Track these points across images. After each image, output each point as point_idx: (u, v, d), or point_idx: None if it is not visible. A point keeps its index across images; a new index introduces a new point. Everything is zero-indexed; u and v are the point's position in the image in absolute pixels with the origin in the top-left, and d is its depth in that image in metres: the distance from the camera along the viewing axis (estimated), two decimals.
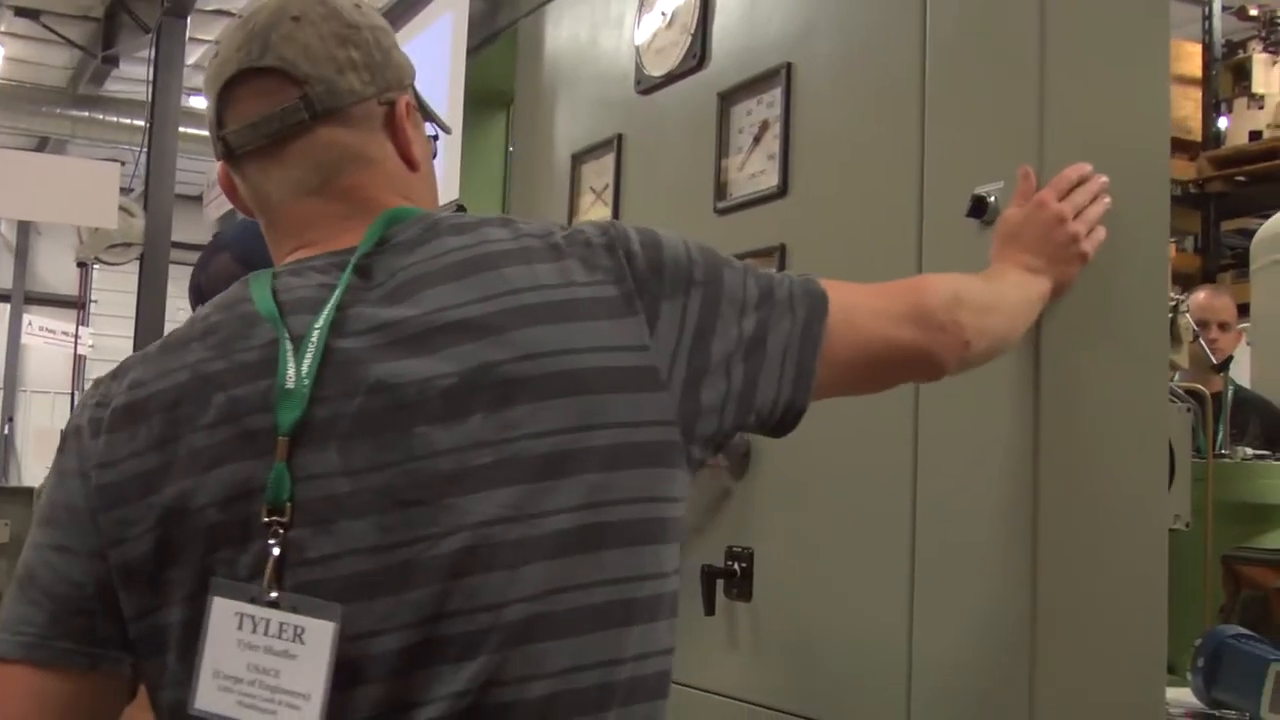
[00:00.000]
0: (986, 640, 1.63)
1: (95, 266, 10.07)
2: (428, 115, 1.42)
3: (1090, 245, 1.62)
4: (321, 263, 1.27)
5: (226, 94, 1.32)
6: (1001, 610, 1.60)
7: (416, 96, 1.39)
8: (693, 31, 2.30)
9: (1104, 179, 1.62)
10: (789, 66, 2.06)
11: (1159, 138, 1.73)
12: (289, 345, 1.20)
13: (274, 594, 1.14)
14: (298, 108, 1.29)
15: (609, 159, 2.53)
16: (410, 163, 1.35)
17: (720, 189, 2.20)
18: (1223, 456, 2.54)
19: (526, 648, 1.14)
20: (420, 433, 1.16)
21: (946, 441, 1.71)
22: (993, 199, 1.67)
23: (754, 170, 2.14)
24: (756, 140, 2.14)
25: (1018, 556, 1.59)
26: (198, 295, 2.17)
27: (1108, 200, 1.62)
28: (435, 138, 1.45)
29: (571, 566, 1.16)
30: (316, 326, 1.20)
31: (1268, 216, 5.14)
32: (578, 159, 2.64)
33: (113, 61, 10.95)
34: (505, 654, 1.14)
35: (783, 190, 2.06)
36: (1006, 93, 1.68)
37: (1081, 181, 1.62)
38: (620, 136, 2.51)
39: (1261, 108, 6.37)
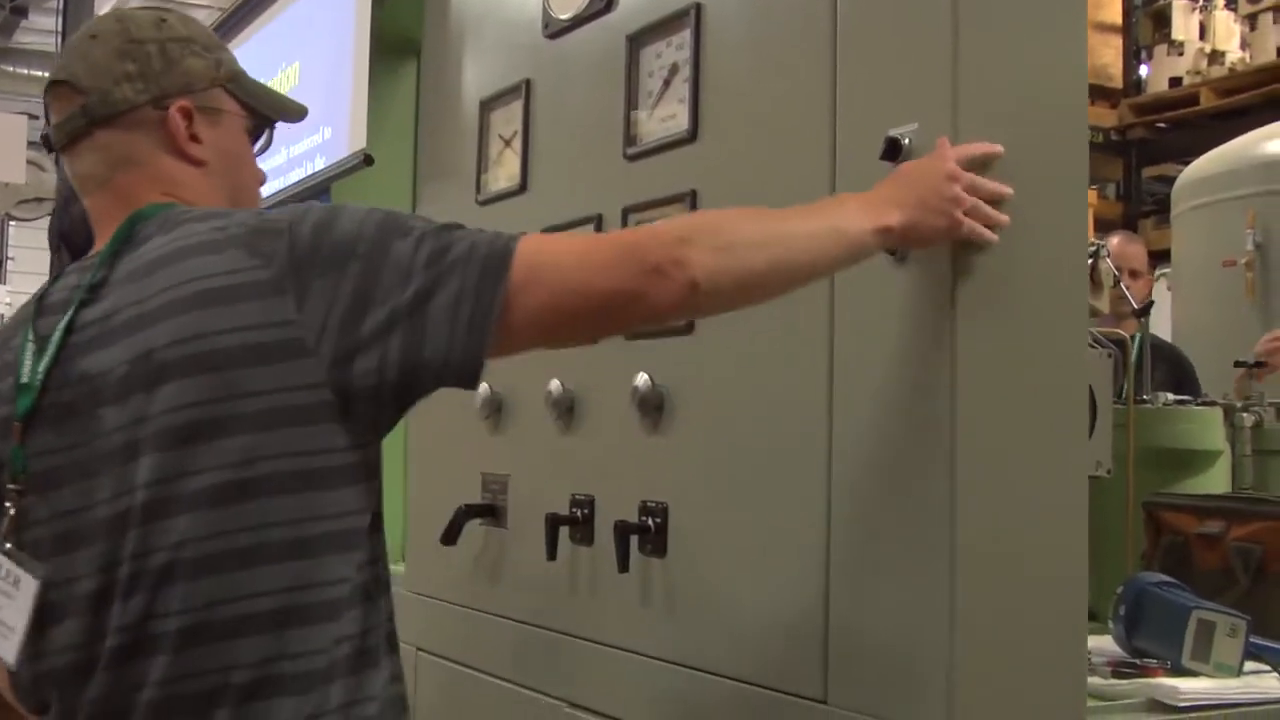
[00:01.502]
0: (904, 593, 1.59)
1: (10, 223, 9.84)
2: (249, 108, 1.68)
3: (967, 227, 1.54)
4: (86, 264, 1.55)
5: (46, 98, 1.62)
6: (920, 561, 1.56)
7: (232, 93, 1.65)
8: None
9: (1009, 190, 1.56)
10: (698, 7, 1.99)
11: (1077, 79, 1.69)
12: (31, 346, 1.51)
13: (7, 545, 1.49)
14: (78, 115, 1.58)
15: (517, 106, 2.45)
16: (190, 160, 1.60)
17: (630, 134, 2.13)
18: (1143, 402, 2.52)
19: (179, 585, 1.38)
20: (101, 413, 1.44)
21: (862, 387, 1.66)
22: (906, 141, 1.61)
23: (665, 115, 2.07)
24: (666, 84, 2.07)
25: (936, 507, 1.54)
26: (62, 241, 2.12)
27: (1004, 219, 1.56)
28: (269, 125, 1.74)
29: (219, 517, 1.38)
30: (59, 328, 1.49)
31: (1188, 163, 5.16)
32: (486, 106, 2.56)
33: (21, 12, 10.70)
34: (159, 591, 1.39)
35: (693, 135, 1.99)
36: (920, 33, 1.62)
37: (982, 159, 1.57)
38: (528, 82, 2.43)
39: (1181, 54, 6.40)
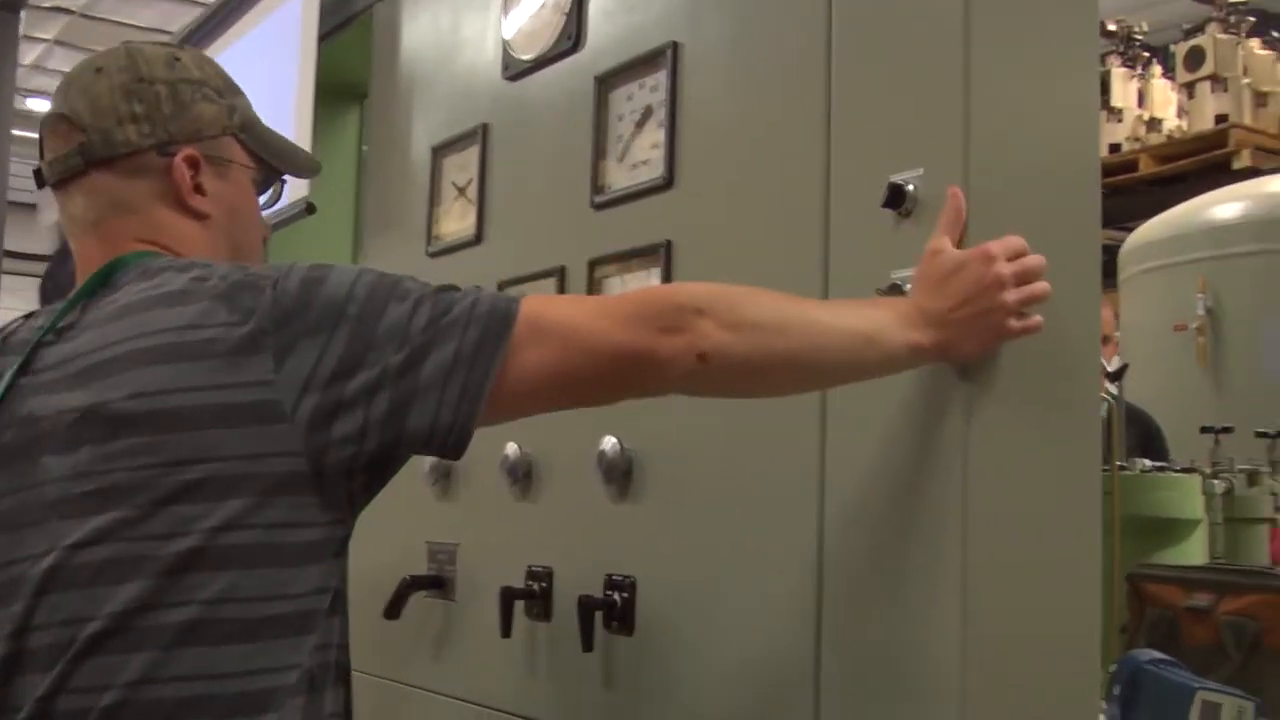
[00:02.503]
0: (906, 668, 1.45)
1: None
2: (259, 160, 1.58)
3: (1019, 325, 1.41)
4: (58, 307, 1.44)
5: (43, 130, 1.51)
6: (924, 637, 1.43)
7: (243, 143, 1.55)
8: (567, 10, 2.10)
9: (1042, 259, 1.42)
10: (675, 46, 1.87)
11: (1089, 120, 1.59)
12: None
13: None
14: (75, 153, 1.47)
15: (473, 152, 2.32)
16: (192, 213, 1.49)
17: (598, 182, 2.00)
18: (1121, 469, 2.42)
19: (107, 659, 1.25)
20: (43, 462, 1.32)
21: (859, 449, 1.54)
22: (911, 187, 1.50)
23: (636, 160, 1.95)
24: (639, 127, 1.95)
25: (945, 588, 1.42)
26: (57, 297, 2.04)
27: (1048, 290, 1.42)
28: (279, 179, 1.65)
29: (165, 586, 1.26)
30: (13, 367, 1.39)
31: (1127, 228, 5.14)
32: (438, 152, 2.42)
33: None
34: (82, 664, 1.25)
35: (669, 182, 1.87)
36: (926, 71, 1.51)
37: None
38: (485, 127, 2.30)
39: (1120, 120, 6.40)
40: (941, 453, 1.44)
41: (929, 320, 1.39)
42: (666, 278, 1.83)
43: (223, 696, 1.27)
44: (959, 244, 1.43)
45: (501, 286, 2.16)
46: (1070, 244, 1.52)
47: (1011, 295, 1.39)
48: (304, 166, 1.70)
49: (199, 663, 1.26)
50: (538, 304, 1.37)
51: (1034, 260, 1.42)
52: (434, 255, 2.39)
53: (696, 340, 1.32)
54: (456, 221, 2.35)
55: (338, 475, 1.32)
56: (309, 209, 2.49)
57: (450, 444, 1.33)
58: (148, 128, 1.47)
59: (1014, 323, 1.41)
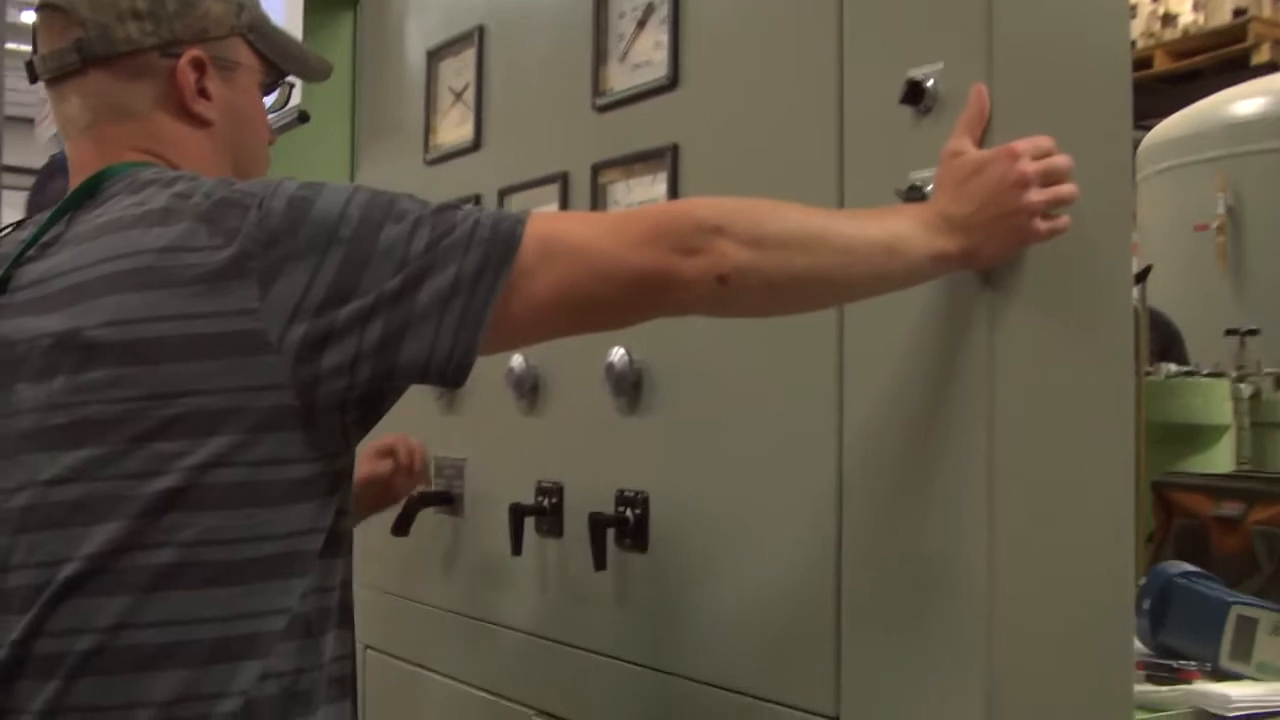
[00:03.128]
0: (932, 579, 1.39)
1: None
2: (268, 63, 1.47)
3: (1046, 227, 1.32)
4: (43, 218, 1.35)
5: (37, 21, 1.40)
6: (951, 559, 1.37)
7: (251, 44, 1.44)
8: None
9: (1069, 159, 1.33)
10: None
11: (1118, 13, 1.50)
12: None
13: None
14: (71, 49, 1.35)
15: (469, 55, 2.22)
16: (195, 120, 1.39)
17: (599, 84, 1.92)
18: (1146, 375, 2.35)
19: (83, 601, 1.18)
20: (17, 389, 1.24)
21: (880, 357, 1.46)
22: (930, 82, 1.41)
23: (639, 60, 1.86)
24: (641, 24, 1.86)
25: (970, 497, 1.35)
26: None
27: (1075, 192, 1.33)
28: (287, 83, 1.55)
29: (143, 527, 1.18)
30: None
31: (1145, 128, 5.02)
32: (434, 56, 2.33)
33: None
34: (58, 607, 1.18)
35: (673, 82, 1.78)
36: None
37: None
38: (482, 29, 2.20)
39: (1134, 16, 6.26)
40: (965, 362, 1.37)
41: (953, 226, 1.31)
42: (673, 183, 1.75)
43: (203, 643, 1.20)
44: (980, 145, 1.35)
45: (502, 194, 2.08)
46: (1100, 143, 1.44)
47: (1036, 195, 1.31)
48: (315, 69, 1.59)
49: (179, 607, 1.20)
50: (545, 224, 1.27)
51: (1061, 160, 1.33)
52: (431, 163, 2.30)
53: (716, 261, 1.24)
54: (454, 128, 2.27)
55: (329, 409, 1.24)
56: (302, 118, 2.39)
57: (449, 374, 1.25)
58: (151, 25, 1.36)
59: (1040, 224, 1.33)
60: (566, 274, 1.24)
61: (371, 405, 1.29)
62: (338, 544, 1.31)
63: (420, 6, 2.43)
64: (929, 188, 1.39)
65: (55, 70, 1.38)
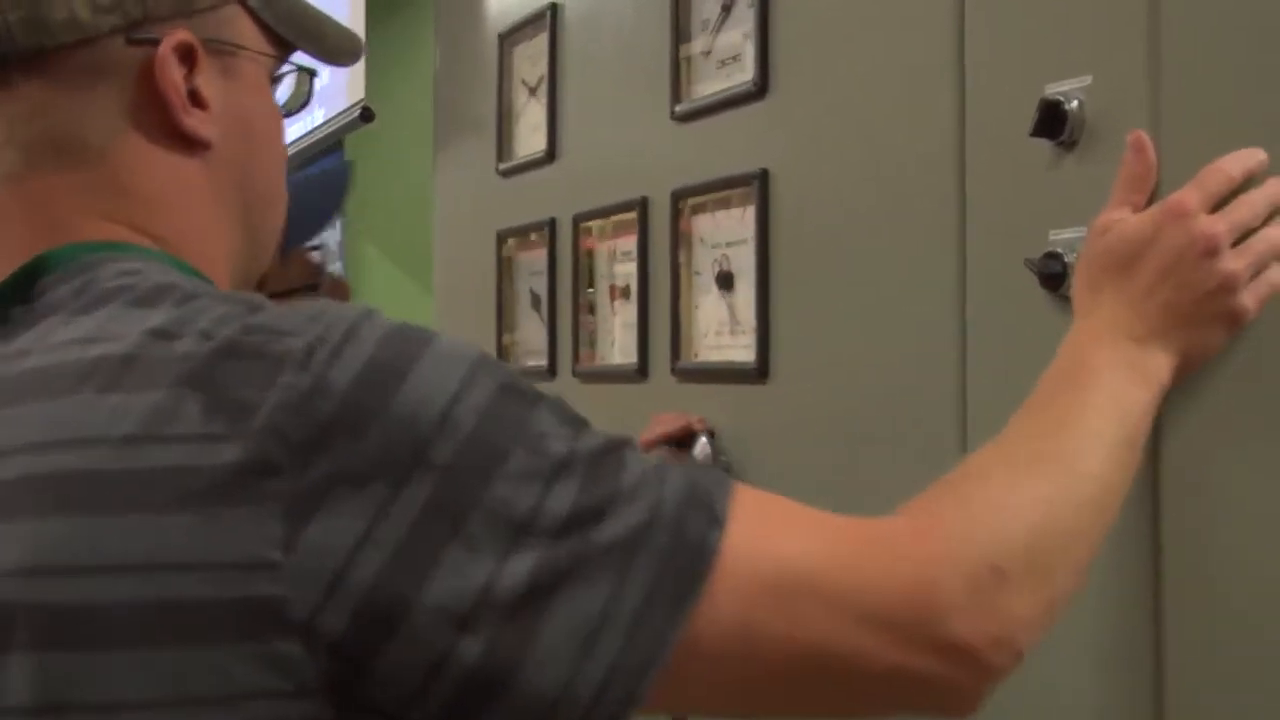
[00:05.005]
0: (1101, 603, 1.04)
1: None
2: (277, 41, 0.92)
3: (1253, 298, 0.91)
4: None
5: None
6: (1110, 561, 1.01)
7: (255, 13, 0.89)
8: None
9: (1272, 191, 0.91)
10: None
11: None
12: None
13: None
14: None
15: (542, 40, 1.88)
16: (185, 141, 0.85)
17: (678, 86, 1.56)
18: None
19: None
20: None
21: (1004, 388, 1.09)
22: (1073, 104, 1.02)
23: (723, 56, 1.50)
24: (726, 10, 1.50)
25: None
26: None
27: None
28: (303, 69, 0.98)
29: None
30: None
31: None
32: (506, 40, 1.99)
33: None
34: None
35: (761, 89, 1.40)
36: None
37: (1243, 179, 0.92)
38: (554, 7, 1.85)
39: None
40: None
41: (1149, 343, 0.91)
42: (763, 218, 1.38)
43: None
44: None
45: (577, 222, 1.74)
46: None
47: (1234, 261, 0.90)
48: (337, 48, 1.00)
49: None
50: (750, 545, 0.73)
51: (1254, 197, 0.91)
52: (505, 174, 1.97)
53: (1013, 637, 0.77)
54: (530, 134, 1.92)
55: None
56: (364, 115, 2.06)
57: None
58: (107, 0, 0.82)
59: (1244, 296, 0.91)
60: (772, 637, 0.73)
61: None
62: None
63: None
64: (1071, 256, 1.01)
65: None
